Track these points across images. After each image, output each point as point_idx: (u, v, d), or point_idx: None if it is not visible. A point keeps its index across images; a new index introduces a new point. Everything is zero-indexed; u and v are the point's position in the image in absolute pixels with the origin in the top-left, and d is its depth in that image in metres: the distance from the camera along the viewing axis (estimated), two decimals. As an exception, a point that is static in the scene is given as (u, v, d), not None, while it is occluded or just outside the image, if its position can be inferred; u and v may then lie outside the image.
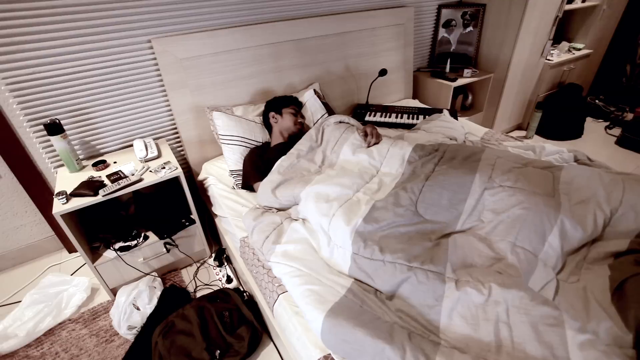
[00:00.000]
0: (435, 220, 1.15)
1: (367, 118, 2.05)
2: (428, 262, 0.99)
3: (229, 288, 1.55)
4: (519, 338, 0.81)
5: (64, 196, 1.35)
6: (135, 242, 1.60)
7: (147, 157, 1.60)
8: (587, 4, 2.84)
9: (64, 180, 1.51)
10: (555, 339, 0.77)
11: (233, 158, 1.66)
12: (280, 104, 1.75)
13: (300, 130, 1.74)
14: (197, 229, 1.72)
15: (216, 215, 1.73)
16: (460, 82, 2.43)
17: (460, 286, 0.91)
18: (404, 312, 0.94)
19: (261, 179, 1.51)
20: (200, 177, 1.84)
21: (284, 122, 1.71)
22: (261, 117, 1.81)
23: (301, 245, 1.18)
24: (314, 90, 1.98)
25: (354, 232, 1.11)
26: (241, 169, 1.64)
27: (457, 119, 1.95)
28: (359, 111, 2.13)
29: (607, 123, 3.12)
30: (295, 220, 1.30)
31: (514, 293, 0.85)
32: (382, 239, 1.09)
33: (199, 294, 1.62)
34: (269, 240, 1.22)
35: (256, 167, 1.56)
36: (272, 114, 1.73)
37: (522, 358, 0.78)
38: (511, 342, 0.81)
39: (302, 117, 1.79)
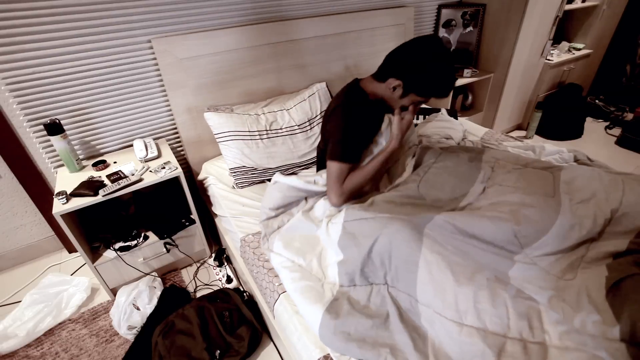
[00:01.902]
0: (435, 205, 1.20)
1: (367, 118, 2.06)
2: (410, 215, 1.07)
3: (229, 288, 1.56)
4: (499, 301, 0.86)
5: (64, 196, 1.35)
6: (135, 242, 1.60)
7: (147, 157, 1.60)
8: (587, 4, 2.84)
9: (64, 180, 1.51)
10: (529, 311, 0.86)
11: (231, 155, 1.62)
12: (423, 86, 1.13)
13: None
14: (197, 228, 1.72)
15: (216, 215, 1.73)
16: (460, 82, 2.43)
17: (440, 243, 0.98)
18: (392, 295, 0.98)
19: (345, 159, 1.17)
20: (200, 177, 1.84)
21: (398, 101, 1.21)
22: (260, 111, 1.70)
23: (300, 235, 1.23)
24: (326, 84, 1.95)
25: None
26: (241, 166, 1.60)
27: (457, 119, 1.95)
28: (359, 111, 2.13)
29: (607, 123, 3.12)
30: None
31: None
32: (372, 202, 1.17)
33: (199, 294, 1.62)
34: (279, 232, 1.26)
35: (351, 137, 1.17)
36: (397, 83, 1.14)
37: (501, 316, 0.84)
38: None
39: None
